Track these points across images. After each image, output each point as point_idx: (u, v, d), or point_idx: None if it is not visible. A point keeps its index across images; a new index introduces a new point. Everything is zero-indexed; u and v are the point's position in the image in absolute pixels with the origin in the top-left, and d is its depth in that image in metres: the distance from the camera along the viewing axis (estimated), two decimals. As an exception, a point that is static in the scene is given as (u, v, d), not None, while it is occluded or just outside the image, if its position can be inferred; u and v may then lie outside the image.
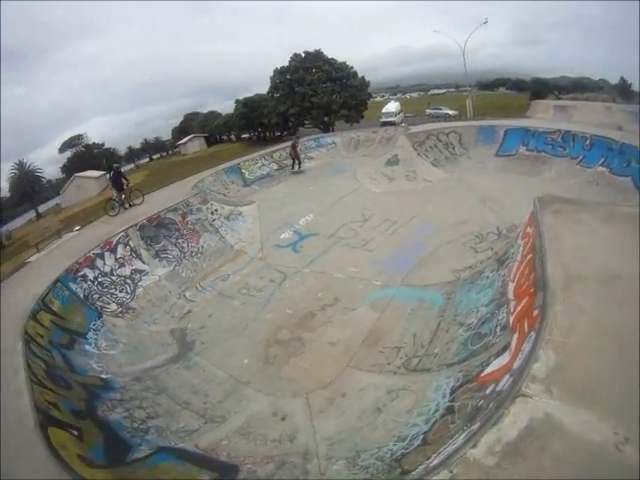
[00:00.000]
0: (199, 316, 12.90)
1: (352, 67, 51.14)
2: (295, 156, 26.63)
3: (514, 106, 54.68)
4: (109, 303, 13.14)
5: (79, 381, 9.27)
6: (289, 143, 27.84)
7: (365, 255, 15.01)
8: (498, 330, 8.21)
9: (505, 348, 7.23)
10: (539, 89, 69.80)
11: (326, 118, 51.30)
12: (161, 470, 7.14)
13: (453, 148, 24.95)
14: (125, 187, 19.50)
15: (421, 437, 6.31)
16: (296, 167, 26.69)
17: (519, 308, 8.10)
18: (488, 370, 7.11)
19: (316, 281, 13.75)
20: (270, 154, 27.72)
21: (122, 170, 22.08)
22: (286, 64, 51.48)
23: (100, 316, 12.45)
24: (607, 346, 5.83)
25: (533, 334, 6.66)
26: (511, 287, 9.23)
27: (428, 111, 60.61)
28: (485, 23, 50.36)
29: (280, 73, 51.38)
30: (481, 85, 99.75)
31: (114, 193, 19.42)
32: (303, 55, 50.31)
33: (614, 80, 72.94)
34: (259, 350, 10.76)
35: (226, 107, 68.95)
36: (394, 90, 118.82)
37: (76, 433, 7.24)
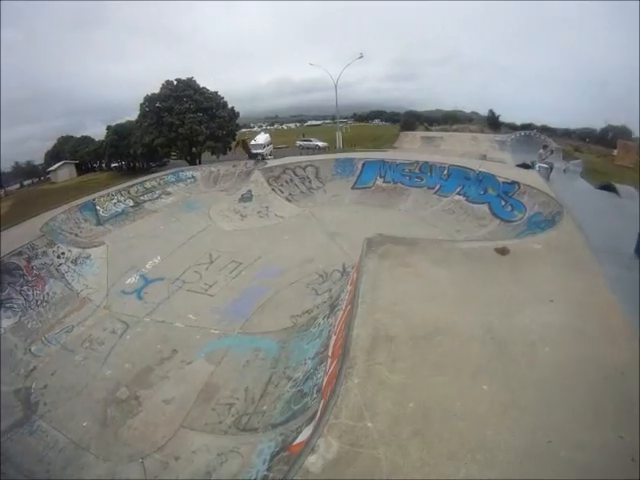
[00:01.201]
0: (43, 373, 12.71)
1: (223, 97, 50.92)
2: (249, 153, 28.46)
3: (385, 137, 57.30)
4: None
5: None
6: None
7: (206, 301, 15.23)
8: (315, 391, 8.29)
9: (314, 417, 7.03)
10: (411, 121, 73.13)
11: (193, 149, 50.64)
12: None
13: (310, 182, 25.64)
14: None
15: None
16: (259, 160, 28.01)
17: (330, 370, 8.09)
18: (299, 439, 7.03)
19: (156, 331, 13.84)
20: (127, 189, 27.03)
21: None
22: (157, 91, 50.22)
23: None
24: (406, 433, 5.68)
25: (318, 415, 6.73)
26: (332, 341, 9.31)
27: (298, 142, 61.84)
28: (360, 57, 52.81)
29: (150, 100, 49.89)
30: (357, 117, 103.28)
31: None
32: (175, 82, 49.32)
33: (484, 113, 78.32)
34: (98, 411, 10.85)
35: (102, 132, 66.23)
36: (272, 120, 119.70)
37: None
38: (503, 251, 10.59)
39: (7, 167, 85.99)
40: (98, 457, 9.55)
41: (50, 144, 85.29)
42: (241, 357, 11.87)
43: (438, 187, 21.68)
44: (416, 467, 5.17)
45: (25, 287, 16.10)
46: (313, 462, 5.39)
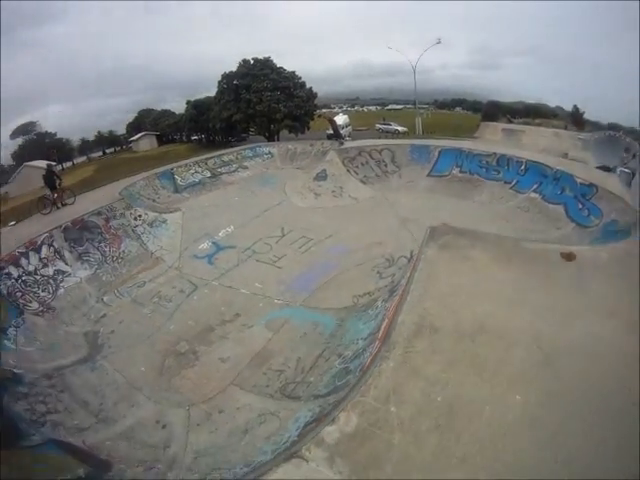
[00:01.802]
0: (112, 321, 13.41)
1: (300, 77, 50.75)
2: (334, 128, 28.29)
3: (465, 126, 55.04)
4: (31, 301, 13.61)
5: (-9, 373, 9.93)
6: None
7: (273, 272, 15.50)
8: (358, 370, 8.18)
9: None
10: (493, 111, 70.58)
11: (271, 127, 50.90)
12: (43, 459, 7.90)
13: (385, 166, 25.18)
14: (58, 187, 19.78)
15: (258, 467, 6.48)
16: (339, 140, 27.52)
17: (375, 352, 7.92)
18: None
19: (222, 295, 14.25)
20: (205, 161, 27.64)
21: (56, 170, 22.34)
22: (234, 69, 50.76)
23: (21, 313, 12.95)
24: (426, 425, 5.64)
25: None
26: (384, 324, 9.05)
27: (378, 126, 60.57)
28: (438, 43, 50.97)
29: (227, 78, 50.60)
30: (439, 104, 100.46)
31: (47, 192, 19.66)
32: (252, 62, 49.67)
33: (569, 108, 74.66)
34: (156, 359, 11.37)
35: (182, 106, 67.63)
36: (353, 102, 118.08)
37: None
38: (569, 257, 10.05)
39: (90, 136, 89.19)
40: (149, 399, 10.05)
41: (131, 116, 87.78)
42: (299, 328, 12.04)
43: (515, 182, 20.74)
44: (426, 462, 5.19)
45: (102, 244, 17.16)
46: (330, 432, 5.58)
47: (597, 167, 23.96)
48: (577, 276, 9.26)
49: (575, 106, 71.86)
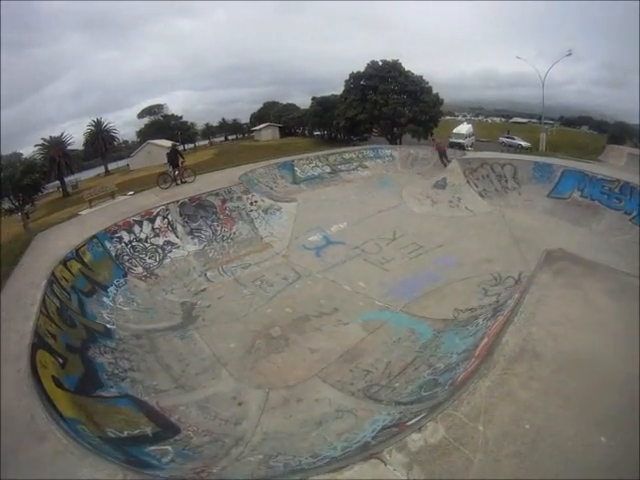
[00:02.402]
0: (211, 295, 13.72)
1: (427, 82, 49.87)
2: (443, 154, 27.55)
3: (590, 147, 52.30)
4: (136, 266, 14.34)
5: (85, 324, 10.59)
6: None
7: (379, 273, 15.26)
8: (448, 384, 8.04)
9: (437, 406, 6.61)
10: (619, 133, 66.70)
11: (395, 129, 50.60)
12: (116, 411, 8.10)
13: (505, 181, 24.29)
14: (180, 165, 20.75)
15: (326, 461, 6.45)
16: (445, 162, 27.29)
17: (470, 368, 7.76)
18: (412, 421, 6.68)
19: (324, 288, 14.19)
20: (326, 156, 27.89)
21: (179, 149, 23.50)
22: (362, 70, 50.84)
23: (125, 275, 13.69)
24: (508, 451, 5.34)
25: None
26: (483, 342, 8.92)
27: (501, 139, 58.80)
28: (569, 55, 47.80)
29: (355, 78, 50.78)
30: (564, 121, 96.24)
31: (169, 169, 20.68)
32: (380, 63, 49.53)
33: None
34: (247, 339, 11.47)
35: (307, 101, 69.40)
36: (477, 112, 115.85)
37: (61, 361, 8.50)
38: None
39: (214, 122, 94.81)
40: (231, 375, 10.12)
41: (256, 107, 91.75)
42: (394, 333, 11.72)
43: (636, 213, 18.87)
44: None
45: (215, 222, 17.78)
46: (414, 440, 5.44)
47: None
48: None
49: None
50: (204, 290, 14.13)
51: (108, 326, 11.10)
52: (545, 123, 59.85)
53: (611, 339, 7.35)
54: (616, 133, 65.12)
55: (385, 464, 5.09)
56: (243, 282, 14.68)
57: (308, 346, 11.23)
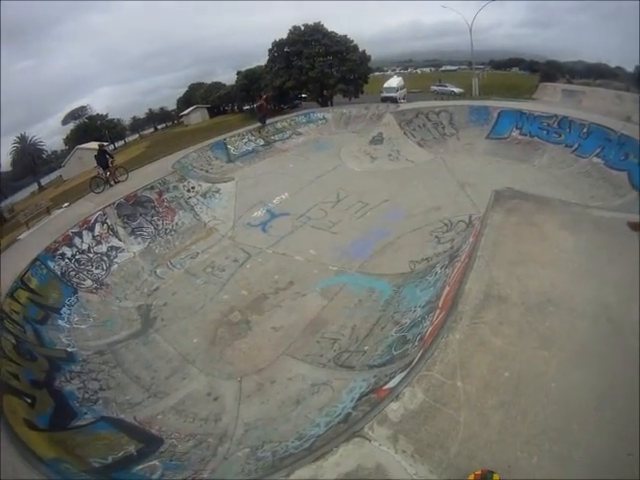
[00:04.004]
0: (165, 293, 13.43)
1: (352, 41, 49.34)
2: (263, 110, 27.45)
3: (523, 87, 52.63)
4: (85, 280, 13.78)
5: (45, 354, 10.12)
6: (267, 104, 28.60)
7: (329, 238, 15.19)
8: (417, 340, 8.04)
9: (410, 365, 6.79)
10: (551, 72, 67.77)
11: (324, 92, 50.21)
12: (96, 437, 7.89)
13: (443, 128, 24.32)
14: (110, 165, 19.98)
15: (311, 441, 6.49)
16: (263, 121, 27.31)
17: (436, 321, 7.76)
18: (389, 384, 6.78)
19: (276, 263, 14.06)
20: (258, 129, 27.36)
21: (108, 149, 22.77)
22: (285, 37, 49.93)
23: (75, 292, 13.13)
24: (492, 402, 5.34)
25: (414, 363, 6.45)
26: (445, 292, 8.89)
27: (433, 87, 58.84)
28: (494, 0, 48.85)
29: (278, 45, 49.79)
30: (494, 64, 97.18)
31: (99, 171, 19.87)
32: (302, 28, 48.60)
33: (631, 69, 70.85)
34: (209, 330, 11.29)
35: (233, 77, 67.97)
36: (406, 64, 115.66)
37: (29, 401, 8.16)
38: (637, 227, 9.29)
39: (141, 114, 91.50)
40: (201, 371, 9.97)
41: (182, 91, 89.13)
42: (354, 295, 11.72)
43: (576, 146, 19.50)
44: (491, 441, 4.90)
45: (155, 217, 17.25)
46: (394, 409, 5.38)
47: None
48: None
49: (638, 67, 67.86)
50: (157, 289, 13.81)
51: (69, 350, 10.74)
52: (476, 68, 60.08)
53: (576, 274, 7.45)
54: (548, 71, 66.32)
55: (369, 441, 5.02)
56: (194, 272, 14.43)
57: (270, 325, 11.16)
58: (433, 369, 5.76)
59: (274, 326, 11.07)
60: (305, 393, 8.59)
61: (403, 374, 6.42)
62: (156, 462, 7.29)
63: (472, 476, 4.46)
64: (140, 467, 7.16)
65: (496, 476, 4.46)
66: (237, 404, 8.77)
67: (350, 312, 11.05)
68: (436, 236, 14.10)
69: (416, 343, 7.87)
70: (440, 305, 8.33)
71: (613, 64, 71.58)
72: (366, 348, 9.50)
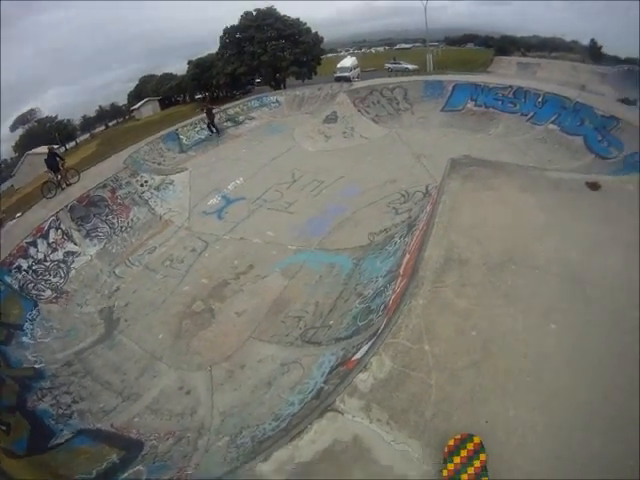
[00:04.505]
0: (125, 293, 13.20)
1: (305, 23, 48.69)
2: (210, 121, 25.82)
3: (478, 61, 53.59)
4: (44, 290, 13.41)
5: (12, 375, 9.90)
6: (213, 108, 27.01)
7: (286, 218, 15.17)
8: (381, 309, 8.12)
9: (375, 334, 6.91)
10: (506, 46, 68.51)
11: (277, 75, 49.85)
12: (77, 453, 7.81)
13: (397, 104, 24.36)
14: (61, 167, 19.31)
15: (288, 420, 6.54)
16: (214, 130, 26.02)
17: (398, 289, 7.83)
18: (357, 355, 6.91)
19: (235, 248, 13.97)
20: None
21: (58, 151, 22.12)
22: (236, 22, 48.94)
23: (36, 305, 12.75)
24: (462, 362, 5.44)
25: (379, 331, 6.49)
26: (405, 260, 9.00)
27: (387, 65, 58.88)
28: None
29: (229, 32, 48.89)
30: (449, 41, 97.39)
31: (50, 175, 19.19)
32: (254, 13, 47.77)
33: (586, 42, 72.06)
34: (173, 324, 11.18)
35: (184, 68, 66.69)
36: (360, 45, 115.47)
37: (4, 428, 8.01)
38: (594, 186, 9.41)
39: (92, 112, 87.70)
40: (170, 366, 9.89)
41: (132, 85, 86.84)
42: (315, 272, 11.75)
43: (532, 114, 19.94)
44: (465, 400, 5.04)
45: (110, 216, 16.85)
46: (363, 380, 5.40)
47: (618, 100, 23.47)
48: (604, 206, 8.68)
49: (592, 40, 69.13)
50: (117, 289, 13.54)
51: (37, 366, 10.51)
52: (430, 45, 60.26)
53: (537, 233, 7.61)
54: (503, 46, 66.97)
55: (342, 414, 5.07)
56: (153, 267, 14.21)
57: (234, 310, 11.13)
58: (399, 336, 5.81)
59: (237, 311, 11.04)
60: (276, 374, 8.65)
61: (369, 344, 6.51)
62: (140, 467, 7.32)
63: (452, 441, 4.57)
64: (125, 475, 7.18)
65: (476, 439, 4.58)
66: (210, 394, 8.77)
67: (312, 289, 11.10)
68: (393, 207, 14.18)
69: (380, 312, 7.97)
70: (401, 273, 8.45)
71: (568, 38, 72.81)
72: (331, 322, 9.58)
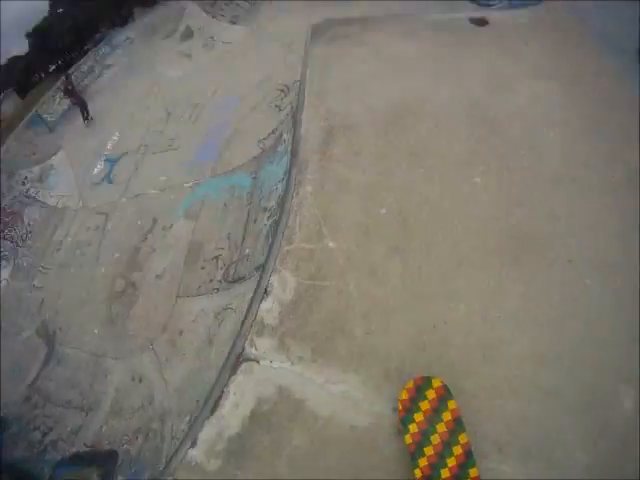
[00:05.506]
0: (51, 301, 12.64)
1: None
2: (76, 101, 20.97)
3: None
4: None
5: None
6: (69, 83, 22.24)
7: (173, 157, 14.45)
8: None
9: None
10: None
11: (122, 10, 46.21)
12: None
13: (251, -4, 22.64)
14: None
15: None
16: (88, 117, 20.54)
17: (285, 180, 7.30)
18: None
19: (135, 208, 13.33)
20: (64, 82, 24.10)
21: None
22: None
23: None
24: (380, 251, 5.01)
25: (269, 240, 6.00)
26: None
27: None
28: None
29: None
30: None
31: None
32: None
33: None
34: (103, 312, 10.81)
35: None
36: None
37: None
38: (480, 22, 9.12)
39: None
40: (116, 359, 9.63)
41: None
42: (218, 202, 11.34)
43: None
44: (398, 303, 4.55)
45: (6, 230, 15.85)
46: (268, 309, 4.81)
47: None
48: (497, 42, 8.41)
49: None
50: (43, 302, 12.90)
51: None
52: None
53: (429, 78, 7.32)
54: None
55: (257, 362, 4.57)
56: (66, 263, 13.50)
57: (154, 275, 10.77)
58: (293, 239, 5.30)
59: (157, 274, 10.69)
60: (213, 328, 8.33)
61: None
62: (120, 478, 7.27)
63: (404, 393, 4.04)
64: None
65: (436, 382, 4.04)
66: (160, 374, 8.55)
67: (220, 222, 10.72)
68: (276, 105, 13.61)
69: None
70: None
71: None
72: (247, 251, 9.21)
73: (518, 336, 4.30)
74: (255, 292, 5.22)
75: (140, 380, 8.77)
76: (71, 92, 21.12)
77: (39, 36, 53.06)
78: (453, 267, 4.65)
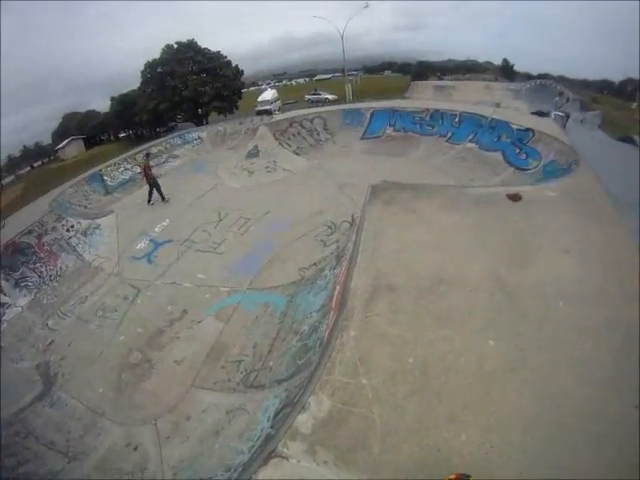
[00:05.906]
0: (60, 346, 12.85)
1: (225, 57, 49.56)
2: (149, 181, 21.55)
3: (396, 88, 55.32)
4: None
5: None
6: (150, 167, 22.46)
7: (215, 259, 15.15)
8: (317, 345, 8.15)
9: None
10: (423, 71, 71.40)
11: (199, 111, 49.69)
12: None
13: (318, 134, 25.21)
14: None
15: (239, 470, 6.43)
16: (154, 197, 21.68)
17: (331, 323, 7.81)
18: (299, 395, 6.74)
19: (167, 293, 13.82)
20: (133, 156, 26.65)
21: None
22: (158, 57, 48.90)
23: None
24: (403, 392, 5.53)
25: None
26: (336, 292, 8.97)
27: (307, 97, 60.19)
28: (366, 7, 49.91)
29: (151, 67, 48.97)
30: (367, 69, 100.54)
31: None
32: (175, 46, 48.15)
33: (499, 62, 76.28)
34: (113, 377, 11.00)
35: (108, 104, 65.00)
36: (280, 77, 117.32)
37: None
38: (515, 197, 10.24)
39: (16, 152, 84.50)
40: (114, 422, 9.72)
41: (56, 123, 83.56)
42: (250, 313, 11.85)
43: (450, 135, 21.20)
44: (412, 430, 5.08)
45: (38, 264, 16.30)
46: (303, 421, 5.33)
47: (532, 113, 25.41)
48: (526, 216, 9.39)
49: (505, 59, 73.83)
50: (52, 343, 13.15)
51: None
52: (349, 74, 61.97)
53: (463, 251, 8.10)
54: (420, 71, 70.19)
55: (287, 459, 5.00)
56: (86, 318, 13.85)
57: (173, 359, 11.06)
58: (333, 372, 5.90)
59: (176, 359, 10.99)
60: (222, 422, 8.63)
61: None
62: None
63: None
64: None
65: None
66: (158, 449, 8.67)
67: (249, 330, 11.18)
68: (321, 240, 14.44)
69: (317, 349, 8.02)
70: (333, 306, 8.54)
71: (482, 60, 77.26)
72: (271, 364, 9.64)
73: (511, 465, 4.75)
74: (294, 407, 5.79)
75: (135, 449, 8.86)
76: (148, 171, 21.96)
77: (122, 103, 56.72)
78: (459, 409, 5.25)
